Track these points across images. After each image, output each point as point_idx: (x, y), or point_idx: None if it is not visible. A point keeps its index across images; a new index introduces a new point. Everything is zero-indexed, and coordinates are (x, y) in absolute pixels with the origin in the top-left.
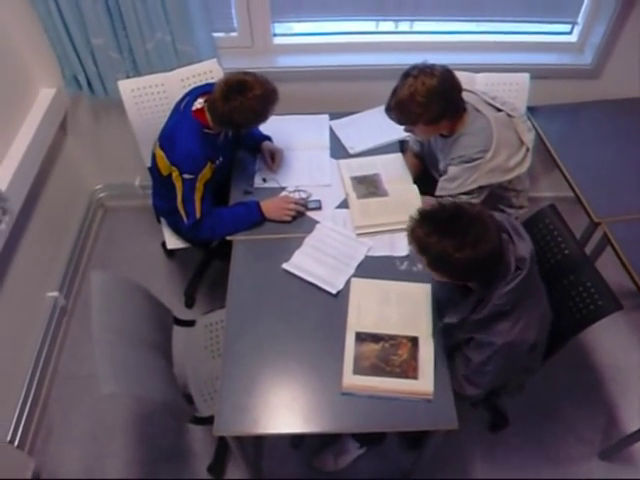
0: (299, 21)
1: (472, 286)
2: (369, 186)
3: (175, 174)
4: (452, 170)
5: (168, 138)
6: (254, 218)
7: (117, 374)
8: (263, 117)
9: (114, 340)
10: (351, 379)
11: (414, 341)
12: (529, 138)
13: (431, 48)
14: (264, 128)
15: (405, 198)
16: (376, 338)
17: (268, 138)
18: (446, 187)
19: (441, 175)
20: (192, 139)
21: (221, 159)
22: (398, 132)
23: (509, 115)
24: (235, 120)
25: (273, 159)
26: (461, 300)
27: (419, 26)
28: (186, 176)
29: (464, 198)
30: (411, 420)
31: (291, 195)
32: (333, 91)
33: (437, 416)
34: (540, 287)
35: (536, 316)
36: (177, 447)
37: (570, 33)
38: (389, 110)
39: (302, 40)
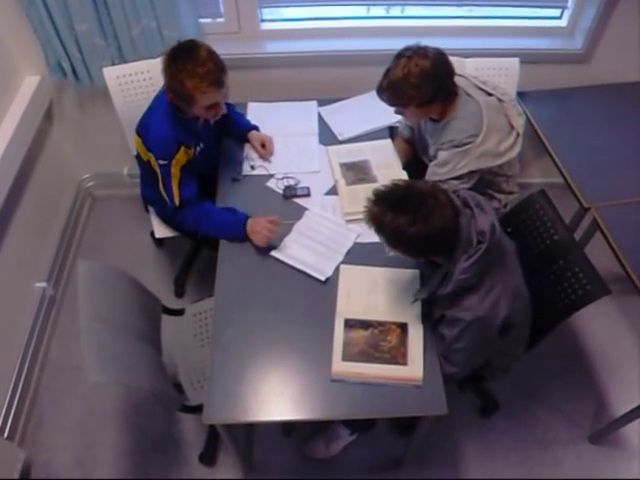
0: (287, 6)
1: (438, 261)
2: (358, 172)
3: (152, 160)
4: (442, 155)
5: (144, 123)
6: (237, 231)
7: (104, 364)
8: (206, 87)
9: (101, 329)
10: (340, 366)
11: (403, 327)
12: (519, 123)
13: (421, 33)
14: (251, 116)
15: None
16: (365, 324)
17: (255, 128)
18: (436, 172)
19: (431, 160)
20: (164, 123)
21: (202, 145)
22: (387, 118)
23: (500, 100)
24: (176, 88)
25: (264, 147)
26: (430, 275)
27: (410, 10)
28: (160, 162)
29: (454, 183)
30: (401, 406)
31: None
32: (322, 77)
33: (426, 402)
34: (510, 262)
35: (507, 290)
36: (168, 436)
37: (560, 18)
38: (381, 91)
39: (290, 25)
